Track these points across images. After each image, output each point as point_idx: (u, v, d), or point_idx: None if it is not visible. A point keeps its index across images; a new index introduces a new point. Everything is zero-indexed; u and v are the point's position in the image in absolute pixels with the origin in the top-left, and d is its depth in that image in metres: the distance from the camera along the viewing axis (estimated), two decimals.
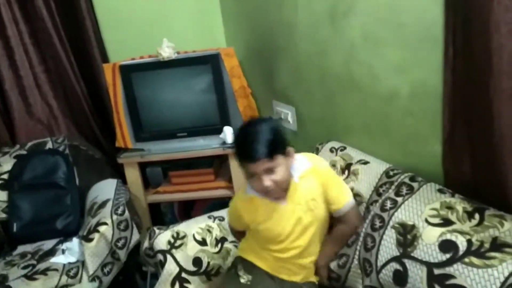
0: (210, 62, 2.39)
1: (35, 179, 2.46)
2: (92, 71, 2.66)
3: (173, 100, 2.50)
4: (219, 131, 2.43)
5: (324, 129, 2.08)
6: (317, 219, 1.56)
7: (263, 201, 1.53)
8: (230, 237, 1.88)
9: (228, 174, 2.53)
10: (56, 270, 2.10)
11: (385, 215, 1.44)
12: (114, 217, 2.14)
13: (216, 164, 2.60)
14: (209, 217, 1.97)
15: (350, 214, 1.56)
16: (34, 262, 2.19)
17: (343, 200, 1.56)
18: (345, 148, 1.82)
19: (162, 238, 1.87)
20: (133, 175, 2.56)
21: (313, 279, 1.65)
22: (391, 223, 1.39)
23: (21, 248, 2.35)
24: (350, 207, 1.56)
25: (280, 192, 1.51)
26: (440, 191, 1.37)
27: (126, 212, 2.18)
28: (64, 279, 2.05)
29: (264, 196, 1.50)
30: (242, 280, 1.56)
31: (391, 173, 1.56)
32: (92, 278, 2.07)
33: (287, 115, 2.33)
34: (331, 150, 1.86)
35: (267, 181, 1.42)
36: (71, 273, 2.08)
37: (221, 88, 2.41)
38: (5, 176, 2.48)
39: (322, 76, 1.99)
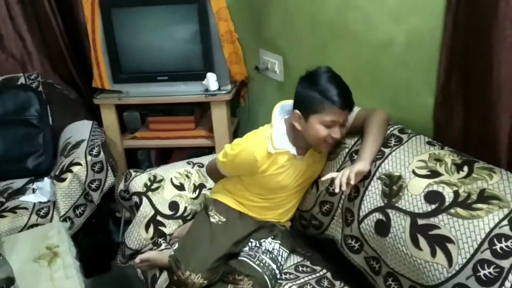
0: (197, 2, 2.26)
1: (5, 115, 2.35)
2: (70, 5, 2.49)
3: (155, 41, 2.37)
4: (202, 77, 2.34)
5: None
6: (315, 173, 1.58)
7: (290, 156, 1.48)
8: (209, 184, 1.83)
9: (209, 123, 2.45)
10: (26, 209, 2.03)
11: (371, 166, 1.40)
12: (89, 158, 2.07)
13: (197, 112, 2.52)
14: (188, 163, 1.92)
15: (361, 113, 1.51)
16: (3, 199, 2.12)
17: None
18: None
19: (138, 181, 1.81)
20: (109, 117, 2.46)
21: (287, 223, 1.65)
22: (377, 174, 1.36)
23: None
24: (357, 110, 1.52)
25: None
26: (429, 143, 1.34)
27: (101, 154, 2.10)
28: (34, 218, 1.99)
29: (316, 145, 1.47)
30: (212, 220, 1.53)
31: None
32: (64, 219, 2.02)
33: (274, 64, 2.25)
34: None
35: (338, 132, 1.42)
36: (42, 213, 2.02)
37: (206, 31, 2.30)
38: None
39: (313, 23, 1.90)
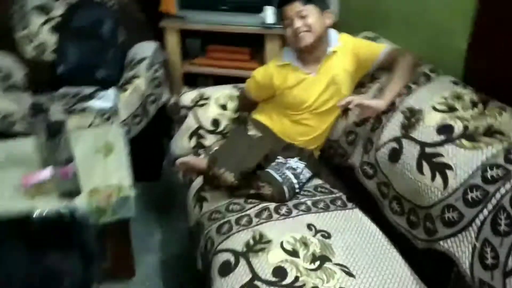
0: None
1: (83, 28, 2.59)
2: None
3: None
4: (260, 9, 2.44)
5: (365, 19, 2.07)
6: (338, 94, 1.69)
7: (295, 69, 1.70)
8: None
9: (264, 58, 2.58)
10: (91, 112, 2.29)
11: (397, 100, 1.48)
12: (149, 73, 2.28)
13: (253, 45, 2.65)
14: (234, 87, 2.07)
15: (393, 52, 1.62)
16: (74, 101, 2.40)
17: (377, 49, 1.66)
18: (378, 38, 1.83)
19: (188, 96, 2.00)
20: (172, 41, 2.65)
21: (316, 151, 1.78)
22: (400, 108, 1.45)
23: (63, 90, 2.55)
24: (388, 50, 1.64)
25: (313, 56, 1.67)
26: (455, 83, 1.40)
27: (161, 71, 2.31)
28: (98, 120, 2.26)
29: (295, 44, 1.64)
30: (250, 133, 1.70)
31: None
32: (123, 124, 2.26)
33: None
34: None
35: (298, 22, 1.59)
36: (104, 117, 2.28)
37: None
38: (57, 20, 2.63)
39: None
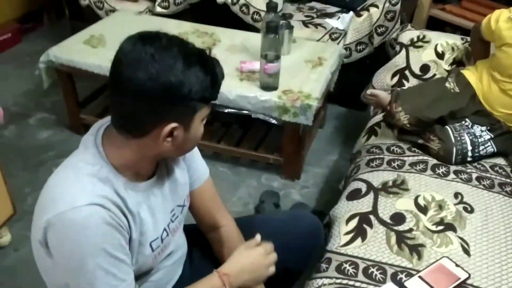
0: None
1: None
2: None
3: None
4: None
5: None
6: None
7: None
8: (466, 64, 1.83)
9: None
10: (325, 28, 2.46)
11: None
12: (387, 4, 2.27)
13: None
14: (462, 39, 1.91)
15: None
16: (315, 15, 2.60)
17: None
18: None
19: (409, 34, 1.96)
20: None
21: None
22: None
23: (314, 3, 2.76)
24: None
25: None
26: None
27: (398, 5, 2.27)
28: (327, 37, 2.41)
29: None
30: (447, 84, 1.61)
31: None
32: (346, 48, 2.37)
33: None
34: None
35: None
36: (334, 36, 2.42)
37: None
38: None
39: None
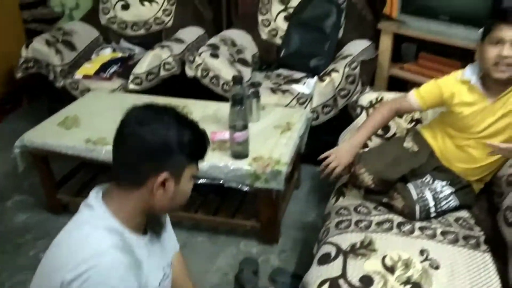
0: None
1: (309, 19, 2.87)
2: None
3: None
4: (482, 24, 2.25)
5: None
6: (510, 127, 1.53)
7: (473, 88, 1.57)
8: (426, 121, 1.93)
9: None
10: (292, 93, 2.58)
11: None
12: (346, 69, 2.41)
13: (465, 60, 2.46)
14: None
15: None
16: (282, 82, 2.73)
17: None
18: None
19: (367, 97, 2.07)
20: (385, 43, 2.68)
21: (476, 185, 1.64)
22: None
23: (280, 70, 2.90)
24: None
25: (500, 83, 1.50)
26: None
27: (358, 69, 2.41)
28: (294, 102, 2.52)
29: (491, 72, 1.48)
30: (405, 144, 1.69)
31: None
32: (313, 111, 2.47)
33: None
34: None
35: (508, 51, 1.42)
36: (301, 101, 2.53)
37: None
38: (291, 10, 2.98)
39: None
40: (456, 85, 1.62)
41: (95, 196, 1.02)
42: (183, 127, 0.99)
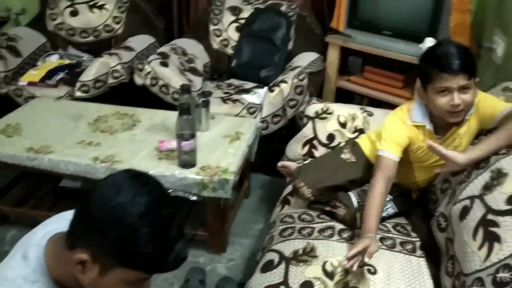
0: None
1: (259, 31, 2.92)
2: None
3: None
4: (420, 40, 2.37)
5: None
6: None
7: (428, 132, 1.55)
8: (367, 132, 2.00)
9: (414, 87, 2.50)
10: (242, 103, 2.61)
11: (493, 158, 1.35)
12: (295, 80, 2.47)
13: (409, 74, 2.59)
14: (361, 109, 2.10)
15: (510, 112, 1.42)
16: (233, 92, 2.75)
17: (498, 108, 1.46)
18: None
19: (313, 107, 2.11)
20: (333, 56, 2.77)
21: (414, 192, 1.71)
22: (492, 167, 1.32)
23: (231, 81, 2.93)
24: (510, 110, 1.43)
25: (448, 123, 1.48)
26: None
27: (305, 80, 2.47)
28: (244, 112, 2.55)
29: (442, 116, 1.47)
30: (342, 156, 1.74)
31: None
32: (263, 121, 2.50)
33: (498, 46, 2.11)
34: (503, 89, 1.71)
35: (458, 99, 1.38)
36: (251, 110, 2.56)
37: None
38: (242, 21, 3.02)
39: None
40: (412, 129, 1.56)
41: (37, 244, 0.87)
42: (144, 223, 0.76)
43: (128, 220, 0.76)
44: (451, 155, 1.34)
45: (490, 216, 1.14)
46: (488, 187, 1.25)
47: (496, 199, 1.17)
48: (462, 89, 1.39)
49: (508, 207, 1.12)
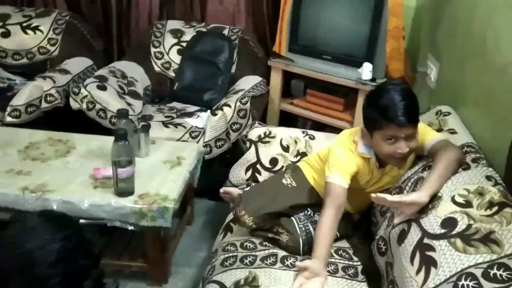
0: None
1: (202, 53, 2.90)
2: None
3: (331, 21, 2.57)
4: (359, 65, 2.44)
5: (451, 92, 1.94)
6: (390, 182, 1.61)
7: (374, 165, 1.56)
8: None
9: (354, 112, 2.56)
10: (185, 127, 2.55)
11: None
12: (238, 104, 2.45)
13: (349, 97, 2.64)
14: (303, 132, 2.11)
15: (442, 142, 1.47)
16: (175, 115, 2.69)
17: (429, 137, 1.50)
18: (448, 114, 1.71)
19: (256, 131, 2.10)
20: (275, 79, 2.79)
21: (355, 215, 1.71)
22: None
23: (174, 104, 2.88)
24: (438, 139, 1.48)
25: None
26: (488, 177, 1.24)
27: (248, 104, 2.46)
28: (187, 136, 2.50)
29: (387, 159, 1.50)
30: (283, 181, 1.72)
31: (465, 149, 1.45)
32: (206, 145, 2.46)
33: (432, 70, 2.20)
34: (436, 113, 1.77)
35: (405, 146, 1.40)
36: (193, 134, 2.51)
37: (377, 22, 2.37)
38: (184, 44, 2.99)
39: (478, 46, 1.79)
40: (359, 158, 1.56)
41: None
42: (55, 273, 0.72)
43: (36, 270, 0.69)
44: (414, 199, 1.29)
45: (426, 240, 1.15)
46: (423, 211, 1.27)
47: (432, 223, 1.19)
48: (409, 137, 1.41)
49: (442, 231, 1.13)
